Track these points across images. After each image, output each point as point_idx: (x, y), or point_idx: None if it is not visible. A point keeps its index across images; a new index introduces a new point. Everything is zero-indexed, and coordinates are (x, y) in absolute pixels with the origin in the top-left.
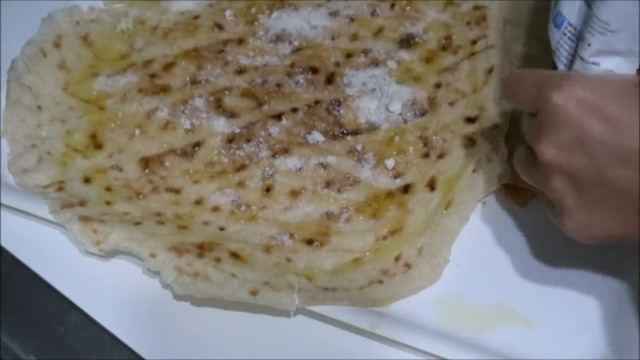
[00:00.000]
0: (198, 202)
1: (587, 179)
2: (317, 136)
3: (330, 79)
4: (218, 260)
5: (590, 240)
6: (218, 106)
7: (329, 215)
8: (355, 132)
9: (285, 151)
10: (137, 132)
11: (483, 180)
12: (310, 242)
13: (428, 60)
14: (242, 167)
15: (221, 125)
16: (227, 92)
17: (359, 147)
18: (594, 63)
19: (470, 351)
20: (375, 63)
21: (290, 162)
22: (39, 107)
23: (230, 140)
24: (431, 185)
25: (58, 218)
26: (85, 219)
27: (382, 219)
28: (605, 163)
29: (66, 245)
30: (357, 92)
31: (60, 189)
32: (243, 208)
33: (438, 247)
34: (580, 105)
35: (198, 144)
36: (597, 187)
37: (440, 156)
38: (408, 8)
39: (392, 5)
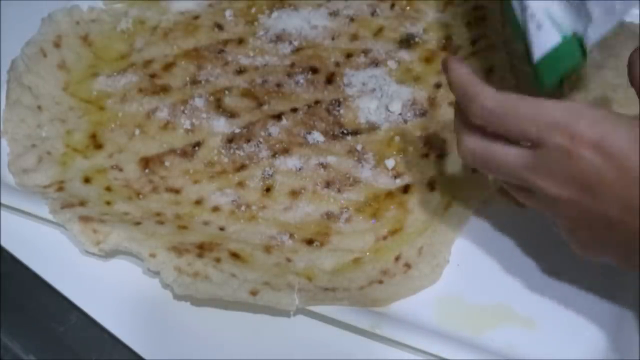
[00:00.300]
0: (198, 202)
1: (593, 220)
2: (317, 136)
3: (330, 79)
4: (218, 260)
5: (596, 259)
6: (218, 106)
7: (329, 215)
8: (355, 132)
9: (285, 151)
10: (137, 132)
11: (483, 180)
12: (310, 242)
13: (428, 60)
14: (242, 167)
15: (221, 125)
16: (227, 92)
17: (359, 147)
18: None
19: (470, 351)
20: (375, 63)
21: (290, 162)
22: (39, 107)
23: (230, 140)
24: (431, 185)
25: (58, 218)
26: (85, 219)
27: (382, 219)
28: (616, 209)
29: (66, 245)
30: (357, 92)
31: (60, 189)
32: (243, 208)
33: (438, 247)
34: (595, 152)
35: (198, 144)
36: (602, 228)
37: (440, 156)
38: (408, 8)
39: (392, 5)
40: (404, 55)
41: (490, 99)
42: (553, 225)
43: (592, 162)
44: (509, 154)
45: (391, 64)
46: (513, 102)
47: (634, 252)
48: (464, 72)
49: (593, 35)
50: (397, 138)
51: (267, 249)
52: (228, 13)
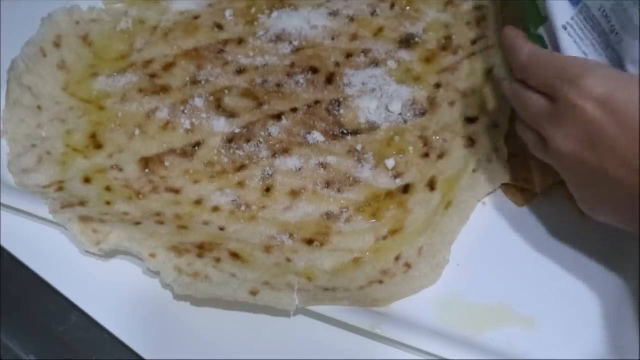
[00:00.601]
0: (198, 202)
1: (594, 176)
2: (317, 136)
3: (330, 79)
4: (218, 260)
5: (601, 219)
6: (218, 106)
7: (329, 215)
8: (355, 132)
9: (285, 151)
10: (137, 132)
11: (483, 180)
12: (310, 242)
13: (428, 60)
14: (242, 167)
15: (221, 125)
16: (227, 92)
17: (359, 147)
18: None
19: (470, 351)
20: (375, 63)
21: (290, 162)
22: (39, 107)
23: (230, 140)
24: (431, 185)
25: (58, 218)
26: (85, 219)
27: (382, 219)
28: (614, 166)
29: (66, 245)
30: (357, 92)
31: (60, 189)
32: (243, 208)
33: (438, 247)
34: (598, 105)
35: (198, 144)
36: (603, 185)
37: (440, 156)
38: (408, 8)
39: (392, 5)
40: (404, 55)
41: (525, 54)
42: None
43: (594, 116)
44: (533, 101)
45: (391, 64)
46: (541, 58)
47: (634, 211)
48: (513, 32)
49: None
50: (397, 138)
51: (267, 249)
52: (228, 13)
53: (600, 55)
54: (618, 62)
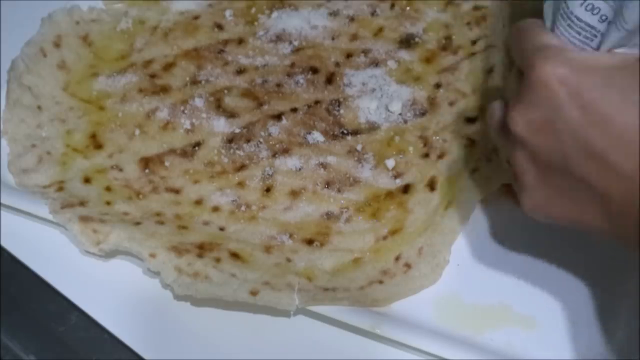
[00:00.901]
0: (198, 202)
1: (551, 162)
2: (317, 136)
3: (330, 79)
4: (218, 260)
5: (545, 220)
6: (218, 106)
7: (329, 215)
8: (355, 132)
9: (285, 151)
10: (137, 132)
11: (483, 180)
12: (310, 242)
13: (428, 60)
14: (242, 167)
15: (221, 125)
16: (227, 92)
17: (359, 147)
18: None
19: (470, 351)
20: (375, 63)
21: (290, 162)
22: (39, 107)
23: (230, 140)
24: (431, 186)
25: (58, 218)
26: (85, 219)
27: (382, 219)
28: (573, 152)
29: (66, 245)
30: (357, 92)
31: (60, 189)
32: (243, 208)
33: (438, 247)
34: (562, 85)
35: (198, 144)
36: (560, 173)
37: (440, 156)
38: (408, 8)
39: (392, 5)
40: (404, 55)
41: (520, 24)
42: (513, 186)
43: (556, 94)
44: (511, 76)
45: (391, 64)
46: (527, 28)
47: (588, 208)
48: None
49: None
50: (397, 138)
51: (267, 249)
52: (228, 13)
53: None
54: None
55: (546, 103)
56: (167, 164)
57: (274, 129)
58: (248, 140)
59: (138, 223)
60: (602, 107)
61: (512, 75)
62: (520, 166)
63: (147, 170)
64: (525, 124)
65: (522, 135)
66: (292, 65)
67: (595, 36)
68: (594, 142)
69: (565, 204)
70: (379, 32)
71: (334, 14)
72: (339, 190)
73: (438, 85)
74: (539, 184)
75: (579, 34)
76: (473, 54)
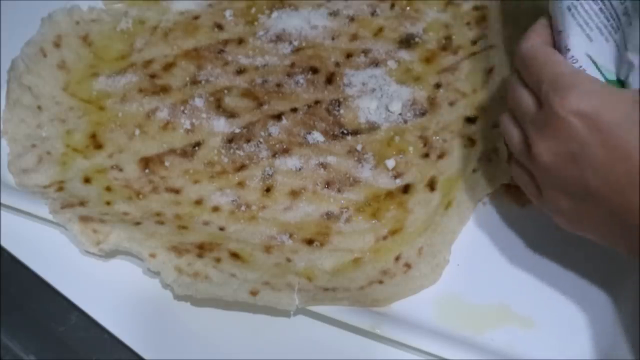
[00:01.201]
0: (198, 202)
1: (576, 190)
2: (317, 136)
3: (330, 79)
4: (218, 260)
5: (578, 232)
6: (218, 106)
7: (329, 215)
8: (355, 132)
9: (285, 151)
10: (137, 132)
11: (483, 180)
12: (310, 242)
13: (428, 60)
14: (242, 167)
15: (221, 125)
16: (227, 92)
17: (359, 147)
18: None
19: (470, 351)
20: (375, 63)
21: (290, 162)
22: (39, 107)
23: (230, 140)
24: (431, 186)
25: (58, 218)
26: (85, 219)
27: (382, 219)
28: (597, 183)
29: (66, 245)
30: (357, 92)
31: (60, 189)
32: (243, 208)
33: (438, 247)
34: (583, 121)
35: (198, 144)
36: (584, 200)
37: (440, 156)
38: (408, 8)
39: (392, 5)
40: (404, 55)
41: (526, 46)
42: (537, 200)
43: (578, 131)
44: (524, 98)
45: (391, 64)
46: (540, 55)
47: (613, 228)
48: (543, 20)
49: (634, 83)
50: (397, 138)
51: (267, 249)
52: (228, 13)
53: (607, 40)
54: (624, 46)
55: (569, 138)
56: (167, 164)
57: (274, 129)
58: (248, 140)
59: (138, 223)
60: (624, 144)
61: (513, 82)
62: (549, 188)
63: (147, 170)
64: (550, 155)
65: (549, 167)
66: (292, 65)
67: (618, 28)
68: (617, 178)
69: (591, 228)
70: (379, 32)
71: (334, 14)
72: (339, 190)
73: (438, 85)
74: (568, 208)
75: (608, 20)
76: (473, 54)
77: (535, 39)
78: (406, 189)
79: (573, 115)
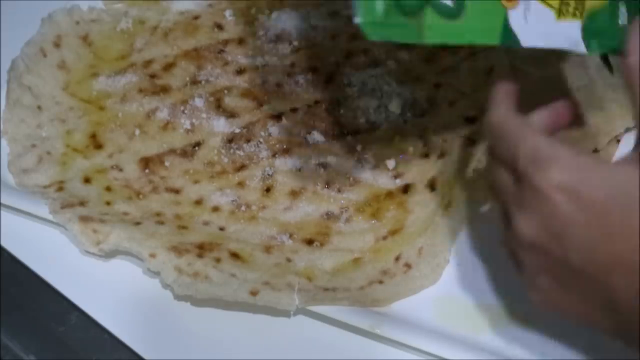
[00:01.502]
0: (198, 202)
1: (560, 264)
2: (317, 136)
3: (330, 79)
4: (218, 260)
5: (553, 311)
6: (218, 106)
7: (329, 215)
8: (355, 132)
9: (285, 151)
10: (137, 132)
11: (483, 180)
12: (310, 242)
13: (428, 60)
14: (242, 167)
15: (221, 125)
16: (227, 92)
17: (359, 147)
18: None
19: (470, 351)
20: (375, 63)
21: (290, 162)
22: (39, 107)
23: (230, 140)
24: (431, 186)
25: (58, 218)
26: (85, 219)
27: (382, 219)
28: (582, 261)
29: (66, 245)
30: (357, 92)
31: (60, 189)
32: (243, 208)
33: (438, 247)
34: (566, 196)
35: (198, 144)
36: (567, 277)
37: (440, 156)
38: None
39: None
40: (404, 55)
41: (493, 120)
42: (516, 272)
43: (561, 207)
44: (502, 177)
45: (391, 64)
46: (511, 128)
47: (594, 307)
48: (503, 84)
49: None
50: (397, 138)
51: (267, 249)
52: (228, 13)
53: None
54: None
55: (551, 214)
56: (167, 164)
57: (274, 129)
58: (248, 140)
59: (138, 223)
60: (610, 222)
61: (487, 157)
62: (529, 265)
63: (147, 170)
64: (532, 232)
65: (530, 241)
66: (292, 65)
67: None
68: (603, 257)
69: (572, 302)
70: None
71: (333, 14)
72: (339, 190)
73: (438, 85)
74: (546, 285)
75: None
76: (473, 54)
77: (501, 108)
78: (406, 189)
79: (555, 190)
